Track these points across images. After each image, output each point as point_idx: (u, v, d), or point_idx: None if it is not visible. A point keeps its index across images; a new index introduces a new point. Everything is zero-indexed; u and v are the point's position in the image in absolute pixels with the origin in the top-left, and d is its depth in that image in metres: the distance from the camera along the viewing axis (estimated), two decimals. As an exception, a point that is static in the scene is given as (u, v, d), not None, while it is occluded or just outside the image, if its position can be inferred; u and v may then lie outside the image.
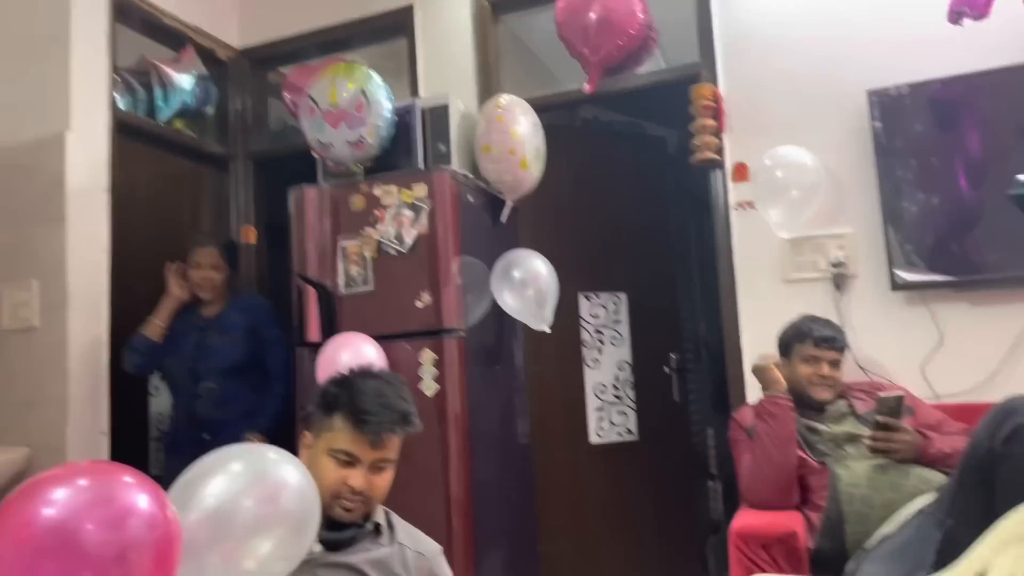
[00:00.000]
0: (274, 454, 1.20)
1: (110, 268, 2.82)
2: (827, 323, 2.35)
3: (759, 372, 2.30)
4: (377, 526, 1.50)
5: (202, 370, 2.78)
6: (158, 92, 3.23)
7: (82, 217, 2.74)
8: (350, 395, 1.46)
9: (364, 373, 1.54)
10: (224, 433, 2.56)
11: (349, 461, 1.43)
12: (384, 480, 1.47)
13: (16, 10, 2.86)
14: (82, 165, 2.79)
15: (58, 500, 0.90)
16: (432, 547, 1.55)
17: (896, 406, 2.00)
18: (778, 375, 2.24)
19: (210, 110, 3.49)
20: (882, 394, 2.04)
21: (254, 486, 1.14)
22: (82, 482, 0.93)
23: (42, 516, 0.88)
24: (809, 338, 2.29)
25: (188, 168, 3.46)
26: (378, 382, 1.51)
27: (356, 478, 1.42)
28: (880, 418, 2.01)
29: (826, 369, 2.26)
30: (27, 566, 0.86)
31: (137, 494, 0.95)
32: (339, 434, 1.44)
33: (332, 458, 1.43)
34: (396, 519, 1.56)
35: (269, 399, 2.81)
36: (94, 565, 0.88)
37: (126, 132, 3.03)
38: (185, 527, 1.02)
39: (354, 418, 1.43)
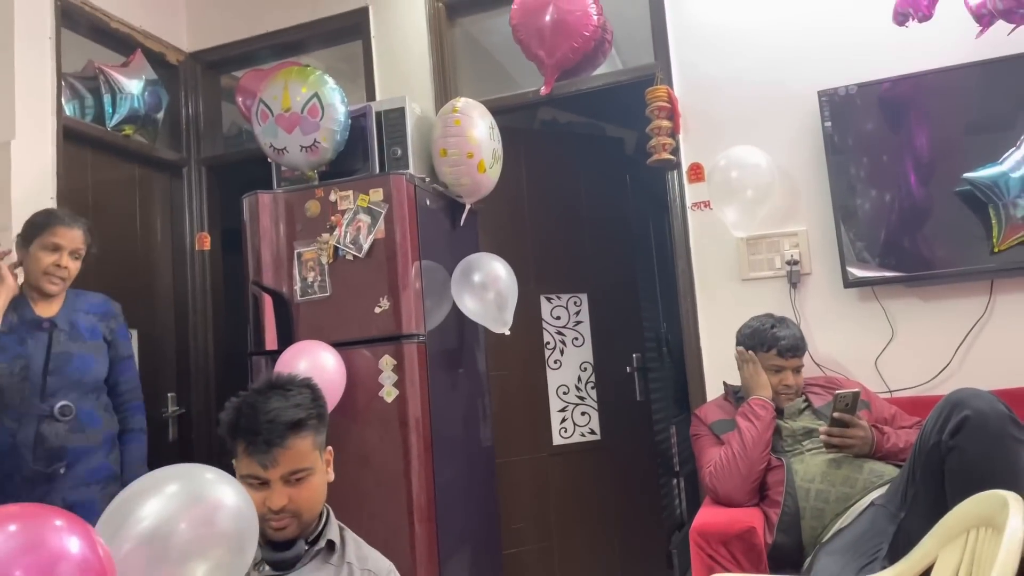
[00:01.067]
0: (210, 473, 1.17)
1: (59, 278, 2.74)
2: (787, 325, 2.33)
3: (747, 375, 2.30)
4: (331, 543, 1.45)
5: (54, 385, 2.19)
6: (107, 98, 3.15)
7: (28, 226, 2.66)
8: (237, 419, 1.40)
9: (258, 390, 1.46)
10: (85, 462, 2.19)
11: (261, 483, 1.37)
12: (308, 491, 1.39)
13: (-45, 15, 2.78)
14: (28, 173, 2.72)
15: None
16: (382, 565, 1.47)
17: (852, 402, 2.04)
18: (767, 381, 2.25)
19: (161, 115, 3.42)
20: (838, 391, 2.07)
21: (189, 508, 1.10)
22: (11, 527, 0.90)
23: None
24: (774, 348, 2.27)
25: (140, 174, 3.39)
26: (270, 396, 1.43)
27: (272, 498, 1.36)
28: (836, 414, 2.05)
29: (790, 378, 2.26)
30: None
31: (68, 537, 0.92)
32: (242, 459, 1.39)
33: (247, 484, 1.36)
34: (349, 536, 1.50)
35: (134, 440, 2.37)
36: None
37: (73, 139, 2.96)
38: (119, 555, 0.99)
39: (245, 441, 1.38)
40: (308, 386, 1.49)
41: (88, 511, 2.04)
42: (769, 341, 2.28)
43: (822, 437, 2.07)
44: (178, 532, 1.07)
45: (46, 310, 2.26)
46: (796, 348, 2.28)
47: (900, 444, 2.06)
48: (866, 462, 2.03)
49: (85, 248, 2.31)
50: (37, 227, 2.24)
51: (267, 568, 1.37)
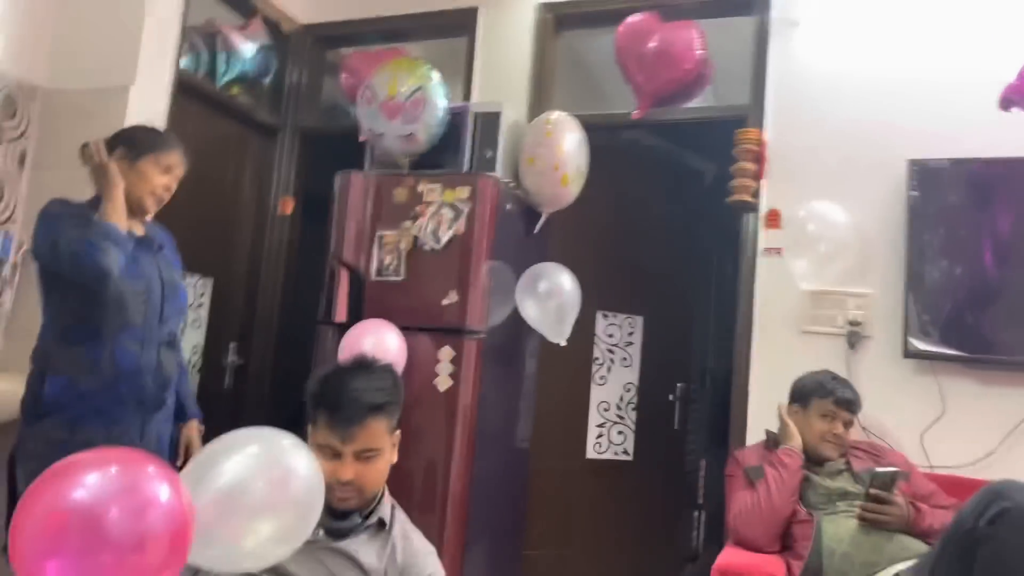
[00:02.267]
0: (288, 440, 1.25)
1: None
2: (848, 385, 2.40)
3: (782, 425, 2.36)
4: (382, 521, 1.54)
5: (167, 311, 2.08)
6: (221, 56, 3.31)
7: (133, 168, 2.82)
8: (324, 391, 1.50)
9: (345, 367, 1.56)
10: (171, 395, 2.13)
11: (335, 454, 1.46)
12: (374, 469, 1.49)
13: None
14: (140, 118, 2.85)
15: (88, 484, 0.98)
16: (419, 547, 1.55)
17: (890, 481, 2.06)
18: (795, 431, 2.31)
19: (266, 80, 3.58)
20: (877, 469, 2.10)
21: (267, 469, 1.19)
22: (112, 470, 1.02)
23: (71, 498, 0.97)
24: (831, 396, 2.33)
25: (238, 132, 3.55)
26: (356, 374, 1.52)
27: (342, 470, 1.45)
28: (873, 491, 2.07)
29: (840, 428, 2.32)
30: (52, 540, 0.94)
31: (159, 484, 1.03)
32: (320, 429, 1.48)
33: (320, 452, 1.45)
34: (399, 515, 1.59)
35: (184, 375, 2.28)
36: (115, 549, 0.95)
37: (185, 91, 3.12)
38: (197, 504, 1.09)
39: (327, 413, 1.47)
40: (390, 372, 1.60)
41: (167, 446, 2.11)
42: (828, 389, 2.35)
43: (857, 512, 2.10)
44: (253, 490, 1.16)
45: (138, 229, 2.07)
46: (851, 403, 2.34)
47: (936, 526, 2.07)
48: (896, 534, 2.06)
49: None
50: (152, 144, 2.07)
51: (322, 533, 1.47)
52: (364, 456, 1.47)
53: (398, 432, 1.59)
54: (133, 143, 2.05)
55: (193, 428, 2.23)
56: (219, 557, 1.15)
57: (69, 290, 1.92)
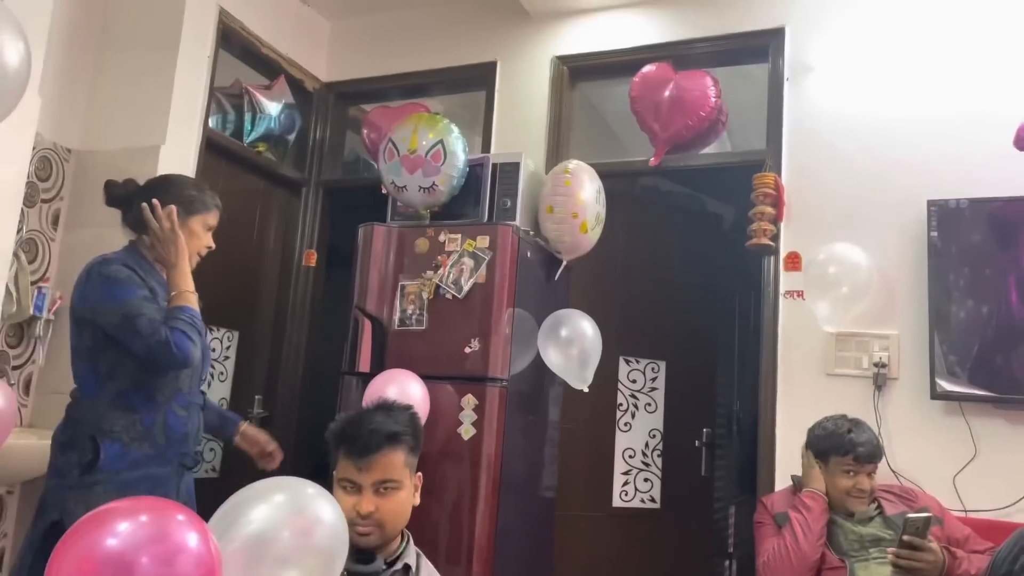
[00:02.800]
0: (312, 489, 1.27)
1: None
2: (864, 430, 2.30)
3: (804, 467, 2.33)
4: (407, 567, 1.55)
5: (203, 371, 2.14)
6: (248, 115, 3.42)
7: (163, 224, 2.90)
8: (344, 428, 1.56)
9: (366, 408, 1.63)
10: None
11: (354, 488, 1.50)
12: (393, 503, 1.51)
13: (133, 26, 3.08)
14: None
15: (120, 533, 1.01)
16: None
17: (923, 527, 2.01)
18: (819, 475, 2.27)
19: (291, 137, 3.68)
20: (909, 515, 2.05)
21: (292, 518, 1.21)
22: (142, 518, 1.04)
23: (104, 546, 0.99)
24: (851, 453, 2.23)
25: (263, 188, 3.64)
26: (375, 411, 1.59)
27: (362, 503, 1.48)
28: (907, 537, 2.03)
29: (865, 483, 2.24)
30: None
31: (188, 532, 1.05)
32: (340, 463, 1.54)
33: (340, 487, 1.51)
34: (424, 563, 1.60)
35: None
36: None
37: (214, 149, 3.22)
38: (225, 552, 1.11)
39: (346, 446, 1.53)
40: (410, 411, 1.64)
41: (194, 496, 2.09)
42: (846, 446, 2.24)
43: (890, 559, 2.05)
44: (279, 539, 1.18)
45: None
46: (873, 456, 2.25)
47: (972, 572, 2.02)
48: (931, 581, 2.01)
49: None
50: (203, 204, 2.10)
51: None
52: (383, 488, 1.50)
53: (420, 475, 1.61)
54: (185, 201, 2.05)
55: (247, 426, 2.30)
56: None
57: (128, 356, 1.91)
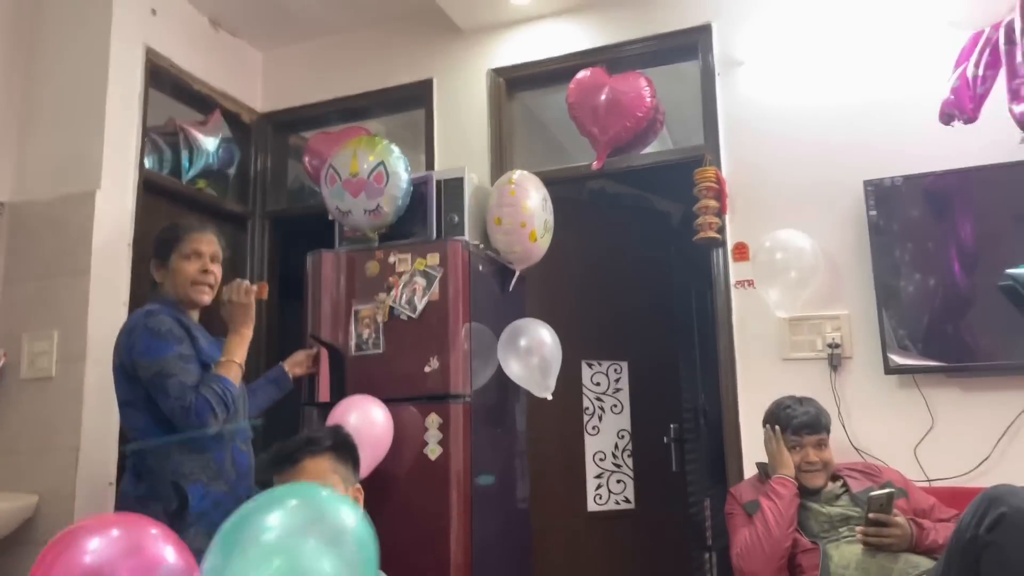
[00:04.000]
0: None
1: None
2: (806, 403, 2.37)
3: (771, 453, 2.34)
4: None
5: (245, 410, 2.25)
6: (184, 153, 3.36)
7: (105, 270, 2.84)
8: (273, 454, 1.64)
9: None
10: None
11: None
12: None
13: (59, 72, 3.01)
14: (109, 221, 2.90)
15: (93, 549, 0.99)
16: None
17: (887, 503, 2.05)
18: (789, 459, 2.29)
19: (232, 170, 3.63)
20: (873, 492, 2.09)
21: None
22: (114, 532, 1.02)
23: (80, 562, 0.97)
24: (788, 428, 2.32)
25: (208, 225, 3.56)
26: (299, 436, 1.68)
27: None
28: (872, 515, 2.06)
29: (812, 455, 2.29)
30: None
31: (164, 545, 1.03)
32: (275, 484, 1.55)
33: None
34: None
35: (255, 394, 2.52)
36: None
37: (152, 190, 3.15)
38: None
39: (273, 467, 1.60)
40: (334, 428, 1.70)
41: None
42: (784, 420, 2.33)
43: (859, 537, 2.08)
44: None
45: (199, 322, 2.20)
46: (809, 425, 2.31)
47: (940, 540, 2.05)
48: (902, 553, 2.04)
49: (222, 252, 2.24)
50: (170, 240, 2.16)
51: None
52: None
53: (357, 487, 1.64)
54: (159, 250, 2.18)
55: (289, 366, 2.59)
56: None
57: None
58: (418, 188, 2.83)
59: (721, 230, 2.95)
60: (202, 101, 3.52)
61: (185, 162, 3.35)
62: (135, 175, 3.05)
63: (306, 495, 1.14)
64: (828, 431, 2.35)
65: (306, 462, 1.56)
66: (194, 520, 1.91)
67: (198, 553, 1.81)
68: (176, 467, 1.95)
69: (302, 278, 2.81)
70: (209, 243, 2.19)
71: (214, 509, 1.95)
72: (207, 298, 2.18)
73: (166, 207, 3.30)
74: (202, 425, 1.93)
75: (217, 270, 2.20)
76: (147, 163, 3.18)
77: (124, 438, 2.21)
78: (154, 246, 2.21)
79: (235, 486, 2.03)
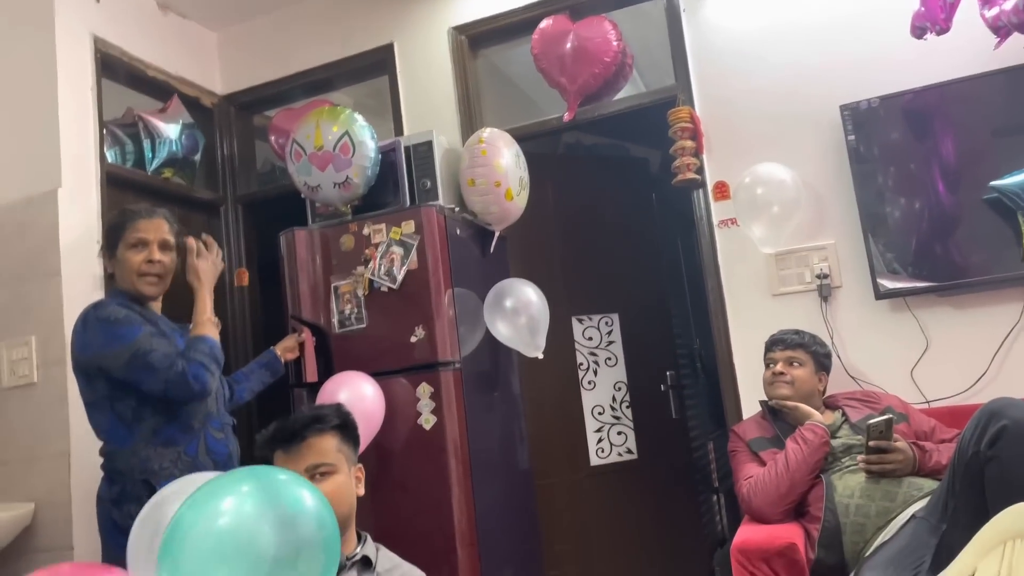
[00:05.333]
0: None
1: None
2: (790, 330, 2.45)
3: (794, 412, 2.31)
4: (366, 559, 1.56)
5: (219, 393, 2.19)
6: (146, 143, 3.27)
7: (76, 271, 2.77)
8: (273, 432, 1.60)
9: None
10: None
11: None
12: (330, 487, 1.50)
13: (5, 70, 2.91)
14: (75, 219, 2.82)
15: None
16: (410, 571, 1.60)
17: (886, 429, 2.03)
18: (811, 409, 2.27)
19: (198, 157, 3.54)
20: (871, 420, 2.07)
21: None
22: None
23: None
24: (766, 346, 2.45)
25: (179, 215, 3.45)
26: (301, 411, 1.67)
27: None
28: (872, 443, 2.04)
29: (779, 366, 2.36)
30: None
31: None
32: (275, 462, 1.55)
33: None
34: (384, 553, 1.61)
35: (233, 388, 2.46)
36: None
37: (116, 184, 3.07)
38: None
39: (275, 444, 1.56)
40: (336, 405, 1.67)
41: None
42: (766, 344, 2.45)
43: (861, 466, 2.07)
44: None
45: (157, 311, 2.14)
46: (782, 341, 2.41)
47: (944, 461, 2.04)
48: (906, 478, 2.02)
49: (174, 238, 2.11)
50: (116, 229, 2.07)
51: None
52: (318, 474, 1.50)
53: (359, 466, 1.62)
54: (106, 240, 2.10)
55: (280, 351, 2.55)
56: None
57: (151, 394, 1.91)
58: (387, 156, 2.76)
59: (700, 171, 2.89)
60: (159, 88, 3.42)
61: (148, 152, 3.26)
62: (97, 170, 2.97)
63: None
64: (810, 355, 2.37)
65: (312, 439, 1.53)
66: None
67: None
68: (145, 464, 1.90)
69: (280, 260, 2.75)
70: (157, 229, 2.06)
71: None
72: (155, 290, 2.07)
73: (133, 200, 3.20)
74: (202, 388, 1.88)
75: (166, 258, 2.07)
76: (109, 157, 3.09)
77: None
78: (103, 235, 2.14)
79: None
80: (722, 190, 2.87)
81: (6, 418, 2.71)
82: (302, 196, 2.84)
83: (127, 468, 1.91)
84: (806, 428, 2.20)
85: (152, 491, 1.83)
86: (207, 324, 2.02)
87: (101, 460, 1.99)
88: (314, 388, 2.51)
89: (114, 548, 1.84)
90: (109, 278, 2.13)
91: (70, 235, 2.79)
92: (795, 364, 2.35)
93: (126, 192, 3.15)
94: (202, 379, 1.88)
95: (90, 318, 1.94)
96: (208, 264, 2.13)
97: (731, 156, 2.86)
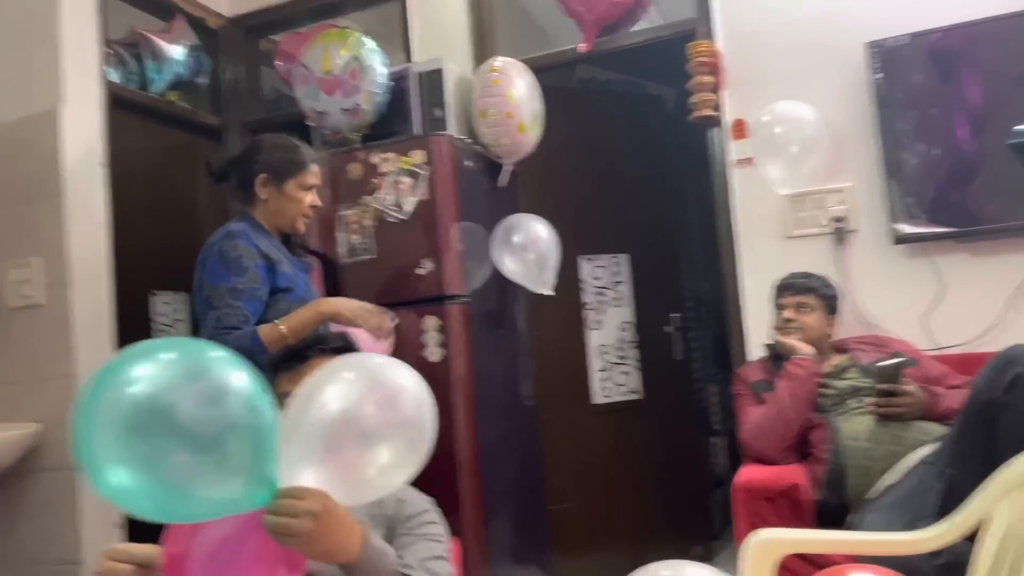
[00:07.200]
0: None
1: (110, 242, 2.82)
2: (801, 273, 2.41)
3: (779, 347, 2.31)
4: None
5: None
6: (150, 64, 3.19)
7: (79, 192, 2.72)
8: (282, 354, 1.57)
9: None
10: None
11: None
12: None
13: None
14: (77, 140, 2.76)
15: None
16: (415, 496, 1.53)
17: (896, 372, 2.01)
18: (798, 344, 2.25)
19: (203, 80, 3.46)
20: (880, 363, 2.05)
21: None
22: None
23: None
24: (776, 290, 2.40)
25: (184, 140, 3.43)
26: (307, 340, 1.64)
27: None
28: (881, 386, 2.02)
29: (788, 312, 2.33)
30: None
31: None
32: (278, 384, 1.50)
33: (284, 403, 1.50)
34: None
35: None
36: None
37: (120, 105, 3.00)
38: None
39: (283, 368, 1.51)
40: (343, 334, 1.63)
41: None
42: (777, 287, 2.41)
43: (869, 408, 2.05)
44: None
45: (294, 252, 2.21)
46: (791, 286, 2.37)
47: (953, 406, 2.01)
48: (914, 422, 2.01)
49: None
50: (293, 165, 2.10)
51: None
52: None
53: None
54: (278, 168, 2.09)
55: None
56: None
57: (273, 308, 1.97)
58: (397, 83, 2.69)
59: (718, 108, 2.81)
60: (162, 7, 3.31)
61: (152, 73, 3.18)
62: (100, 90, 2.88)
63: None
64: (821, 299, 2.34)
65: (314, 360, 1.49)
66: None
67: None
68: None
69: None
70: (320, 176, 2.18)
71: None
72: (303, 230, 2.19)
73: (138, 122, 3.16)
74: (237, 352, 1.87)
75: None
76: (113, 77, 3.02)
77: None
78: (268, 162, 2.09)
79: None
80: (739, 128, 2.80)
81: (12, 339, 2.69)
82: (309, 123, 2.77)
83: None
84: (791, 363, 2.19)
85: None
86: (277, 331, 1.93)
87: None
88: (321, 318, 2.49)
89: None
90: (244, 196, 2.10)
91: (73, 156, 2.73)
92: (805, 310, 2.32)
93: (130, 114, 3.09)
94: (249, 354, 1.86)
95: (215, 244, 1.98)
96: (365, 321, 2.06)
97: (750, 94, 2.78)
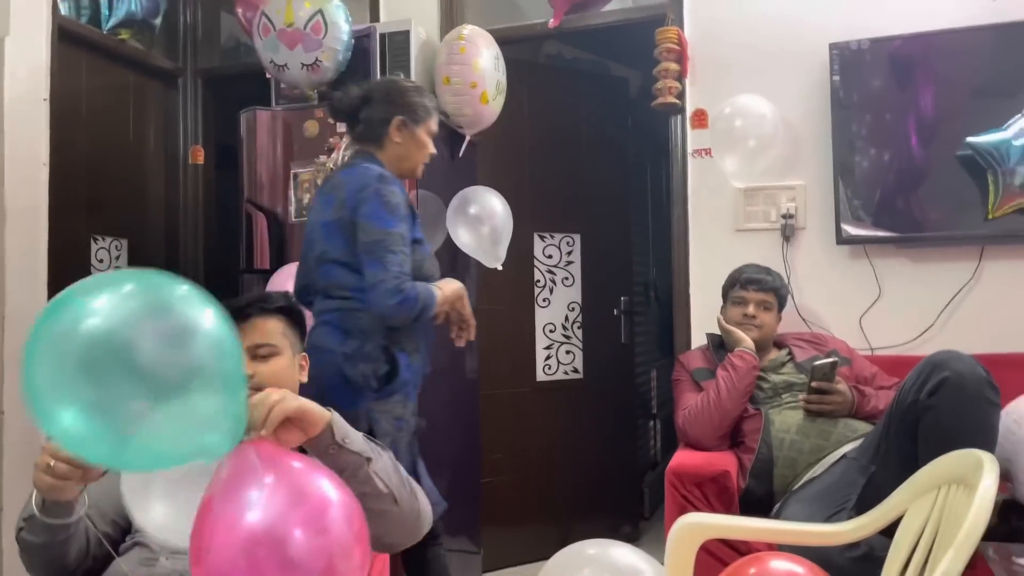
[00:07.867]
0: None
1: (49, 181, 2.71)
2: (762, 269, 2.40)
3: (725, 330, 2.34)
4: None
5: None
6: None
7: (20, 126, 2.62)
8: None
9: None
10: None
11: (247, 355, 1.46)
12: (271, 367, 1.45)
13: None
14: (21, 72, 2.65)
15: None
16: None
17: (830, 371, 2.07)
18: (742, 335, 2.28)
19: (158, 21, 3.33)
20: (817, 361, 2.10)
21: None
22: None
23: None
24: (738, 281, 2.37)
25: (134, 81, 3.32)
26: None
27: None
28: (815, 383, 2.08)
29: (751, 308, 2.32)
30: None
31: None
32: None
33: None
34: None
35: None
36: None
37: (68, 39, 2.88)
38: None
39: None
40: (286, 293, 1.60)
41: None
42: (736, 276, 2.39)
43: (802, 405, 2.11)
44: None
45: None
46: (757, 281, 2.34)
47: (880, 406, 2.09)
48: (843, 419, 2.08)
49: None
50: (427, 111, 2.07)
51: None
52: (258, 353, 1.44)
53: (304, 354, 1.56)
54: (410, 110, 2.03)
55: None
56: None
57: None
58: (360, 42, 2.64)
59: (681, 96, 2.83)
60: (120, -60, 3.18)
61: (104, 9, 3.06)
62: (48, 22, 2.77)
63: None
64: (778, 299, 2.37)
65: (256, 319, 1.47)
66: (399, 387, 1.90)
67: (398, 420, 1.89)
68: (389, 332, 1.89)
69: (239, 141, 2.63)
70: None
71: (411, 378, 1.95)
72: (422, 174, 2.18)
73: (87, 59, 3.05)
74: (399, 312, 1.83)
75: None
76: (62, 9, 2.89)
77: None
78: (406, 104, 2.03)
79: (423, 366, 2.02)
80: (700, 118, 2.82)
81: (-62, 274, 2.59)
82: (267, 75, 2.70)
83: (368, 328, 1.87)
84: (735, 355, 2.23)
85: (391, 357, 1.88)
86: (440, 293, 1.94)
87: (331, 312, 1.93)
88: (265, 275, 2.45)
89: (337, 401, 1.81)
90: (369, 134, 2.03)
91: (16, 89, 2.62)
92: (765, 308, 2.34)
93: (79, 49, 2.98)
94: (408, 305, 1.83)
95: (372, 185, 1.87)
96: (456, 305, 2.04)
97: (714, 84, 2.80)
